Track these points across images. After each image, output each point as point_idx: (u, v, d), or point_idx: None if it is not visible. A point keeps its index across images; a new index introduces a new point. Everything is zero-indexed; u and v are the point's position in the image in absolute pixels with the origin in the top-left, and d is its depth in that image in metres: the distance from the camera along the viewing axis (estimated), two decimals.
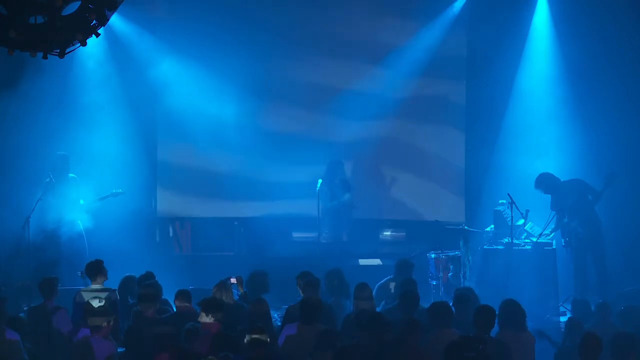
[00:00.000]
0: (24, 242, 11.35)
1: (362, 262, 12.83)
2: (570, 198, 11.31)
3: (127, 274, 9.45)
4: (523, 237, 11.58)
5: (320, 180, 12.41)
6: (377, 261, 12.72)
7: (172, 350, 6.75)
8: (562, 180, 11.50)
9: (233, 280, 9.47)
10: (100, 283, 9.01)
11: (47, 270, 10.39)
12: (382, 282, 10.37)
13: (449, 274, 11.57)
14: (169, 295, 8.98)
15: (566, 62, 12.70)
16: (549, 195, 11.47)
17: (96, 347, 7.30)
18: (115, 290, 9.10)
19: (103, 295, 8.60)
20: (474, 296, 8.93)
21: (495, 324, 7.67)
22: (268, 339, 7.03)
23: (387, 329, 7.36)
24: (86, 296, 8.48)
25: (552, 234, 11.41)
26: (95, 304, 7.66)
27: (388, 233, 13.82)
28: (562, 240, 11.42)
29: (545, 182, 11.43)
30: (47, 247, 11.50)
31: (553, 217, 11.28)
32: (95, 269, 9.03)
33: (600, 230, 11.38)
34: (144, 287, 8.54)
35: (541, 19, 12.92)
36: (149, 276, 9.22)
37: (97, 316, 7.39)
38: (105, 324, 7.40)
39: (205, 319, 7.48)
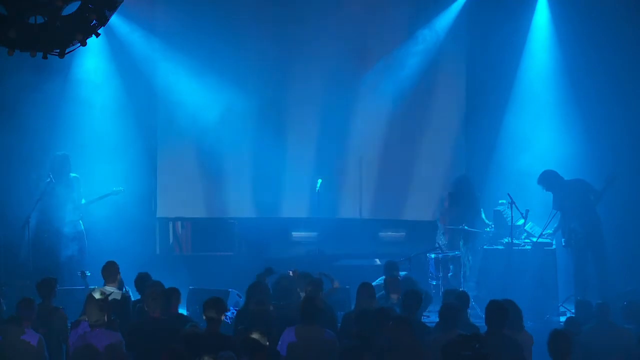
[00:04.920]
0: (24, 242, 11.36)
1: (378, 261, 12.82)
2: (572, 198, 11.30)
3: None
4: (523, 237, 11.59)
5: (320, 180, 12.41)
6: (376, 261, 12.73)
7: (169, 350, 6.75)
8: (565, 179, 11.48)
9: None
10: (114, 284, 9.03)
11: (47, 270, 10.39)
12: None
13: (449, 274, 11.59)
14: None
15: (566, 62, 12.70)
16: (550, 194, 11.46)
17: (96, 341, 7.32)
18: (123, 290, 9.10)
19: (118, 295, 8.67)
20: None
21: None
22: (267, 343, 7.01)
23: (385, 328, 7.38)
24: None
25: (555, 233, 11.40)
26: (97, 295, 7.66)
27: (388, 233, 13.82)
28: (562, 240, 11.43)
29: (547, 179, 11.41)
30: (47, 247, 11.51)
31: (554, 215, 11.27)
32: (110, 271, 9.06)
33: (601, 231, 11.37)
34: (151, 287, 8.51)
35: (541, 18, 12.92)
36: (147, 277, 9.20)
37: (96, 310, 7.42)
38: (105, 318, 7.43)
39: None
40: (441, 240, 12.05)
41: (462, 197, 11.98)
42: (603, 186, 11.22)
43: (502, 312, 7.32)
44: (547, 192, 11.48)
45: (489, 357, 5.98)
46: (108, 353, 7.30)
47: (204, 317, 7.55)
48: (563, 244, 11.42)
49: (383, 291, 9.67)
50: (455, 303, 8.13)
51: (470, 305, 9.26)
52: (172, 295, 8.42)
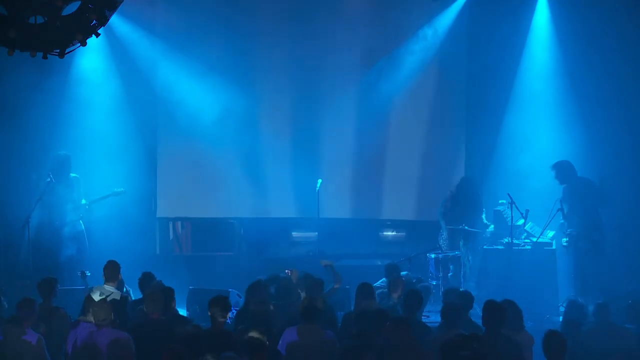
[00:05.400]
0: (24, 242, 11.37)
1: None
2: (573, 196, 11.27)
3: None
4: (523, 237, 11.59)
5: (320, 180, 12.40)
6: (376, 261, 12.73)
7: (169, 350, 6.76)
8: (577, 176, 11.42)
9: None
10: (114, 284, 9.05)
11: (47, 270, 10.39)
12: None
13: (449, 274, 11.59)
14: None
15: (566, 62, 12.69)
16: (550, 191, 11.43)
17: (104, 340, 7.36)
18: (121, 292, 9.11)
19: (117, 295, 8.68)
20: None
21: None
22: (267, 342, 7.02)
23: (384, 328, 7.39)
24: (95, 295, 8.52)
25: (562, 224, 11.37)
26: (96, 296, 7.65)
27: (388, 233, 13.83)
28: (563, 240, 11.42)
29: (560, 168, 11.30)
30: (47, 247, 11.51)
31: (554, 215, 11.24)
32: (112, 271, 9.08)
33: (602, 230, 11.36)
34: (151, 287, 8.49)
35: (541, 18, 12.92)
36: (151, 277, 9.20)
37: (102, 310, 7.46)
38: (111, 317, 7.48)
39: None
40: (442, 239, 12.06)
41: (464, 197, 11.98)
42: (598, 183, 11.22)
43: (499, 312, 7.33)
44: (548, 189, 11.46)
45: (487, 357, 5.99)
46: (116, 351, 7.32)
47: (209, 314, 7.58)
48: (564, 243, 11.42)
49: (384, 290, 9.66)
50: (457, 302, 8.14)
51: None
52: (168, 295, 8.43)
